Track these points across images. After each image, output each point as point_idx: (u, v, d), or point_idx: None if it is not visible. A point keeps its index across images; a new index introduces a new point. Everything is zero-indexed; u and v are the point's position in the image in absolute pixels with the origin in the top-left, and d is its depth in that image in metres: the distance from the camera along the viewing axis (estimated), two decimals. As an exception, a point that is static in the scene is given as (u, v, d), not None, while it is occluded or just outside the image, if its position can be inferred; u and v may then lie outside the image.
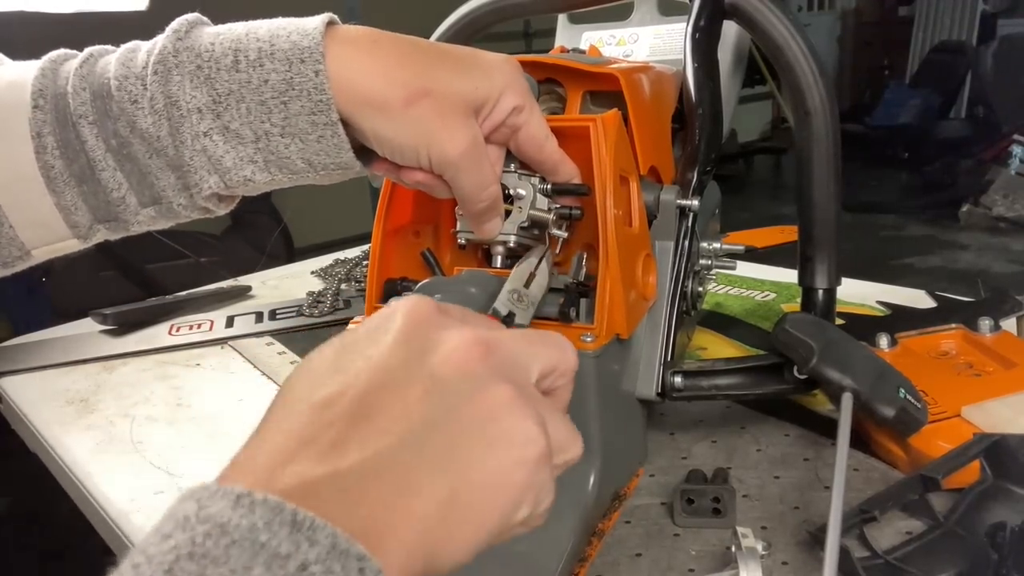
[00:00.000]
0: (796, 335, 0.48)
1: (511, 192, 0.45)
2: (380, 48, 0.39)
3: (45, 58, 0.41)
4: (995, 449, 0.48)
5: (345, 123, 0.39)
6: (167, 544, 0.21)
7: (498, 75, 0.41)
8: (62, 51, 0.42)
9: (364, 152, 0.42)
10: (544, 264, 0.43)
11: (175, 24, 0.39)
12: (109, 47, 0.42)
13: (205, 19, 0.41)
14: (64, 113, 0.39)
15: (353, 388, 0.25)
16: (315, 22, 0.39)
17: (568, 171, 0.46)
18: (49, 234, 0.41)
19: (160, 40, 0.39)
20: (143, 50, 0.40)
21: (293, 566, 0.20)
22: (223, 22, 0.41)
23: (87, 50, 0.41)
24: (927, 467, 0.47)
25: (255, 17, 0.40)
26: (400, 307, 0.28)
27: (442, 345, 0.27)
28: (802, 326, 0.48)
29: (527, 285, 0.41)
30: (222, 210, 0.44)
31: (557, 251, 0.50)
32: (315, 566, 0.20)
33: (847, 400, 0.47)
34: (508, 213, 0.46)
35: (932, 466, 0.47)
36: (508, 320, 0.40)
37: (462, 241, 0.48)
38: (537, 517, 0.27)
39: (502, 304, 0.40)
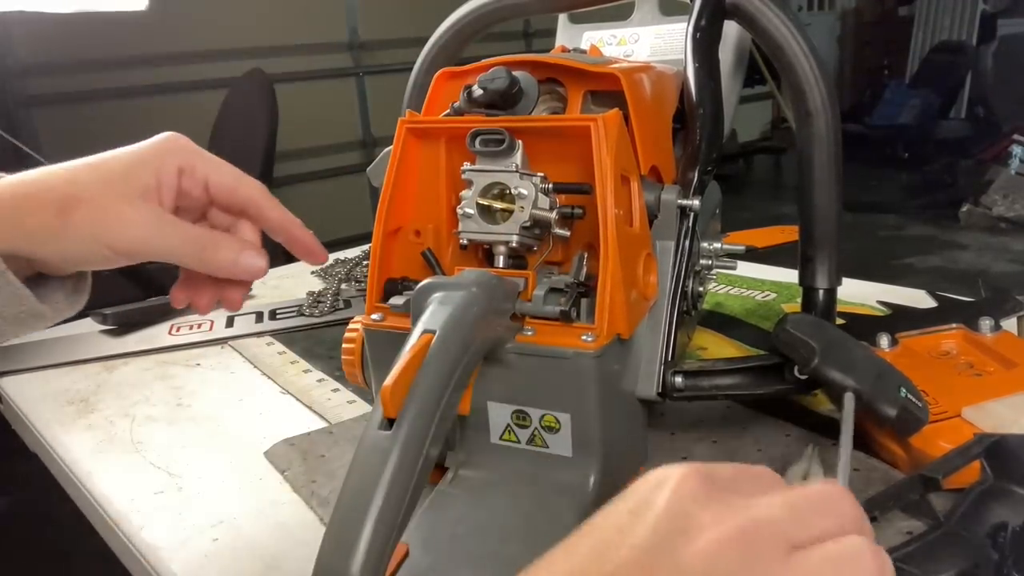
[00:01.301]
0: (797, 335, 0.48)
1: (512, 191, 0.45)
2: (23, 176, 0.40)
3: None
4: (995, 449, 0.47)
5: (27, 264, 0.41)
6: None
7: (148, 152, 0.42)
8: None
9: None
10: (817, 465, 0.42)
11: None
12: None
13: None
14: None
15: (602, 566, 0.25)
16: None
17: (278, 216, 0.46)
18: None
19: None
20: None
21: None
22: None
23: None
24: (927, 467, 0.47)
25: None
26: (669, 480, 0.26)
27: (698, 534, 0.25)
28: (803, 326, 0.48)
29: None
30: None
31: (559, 254, 0.50)
32: None
33: (849, 400, 0.47)
34: (510, 212, 0.46)
35: (932, 466, 0.47)
36: None
37: (464, 241, 0.48)
38: None
39: None
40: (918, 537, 0.45)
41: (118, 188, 0.40)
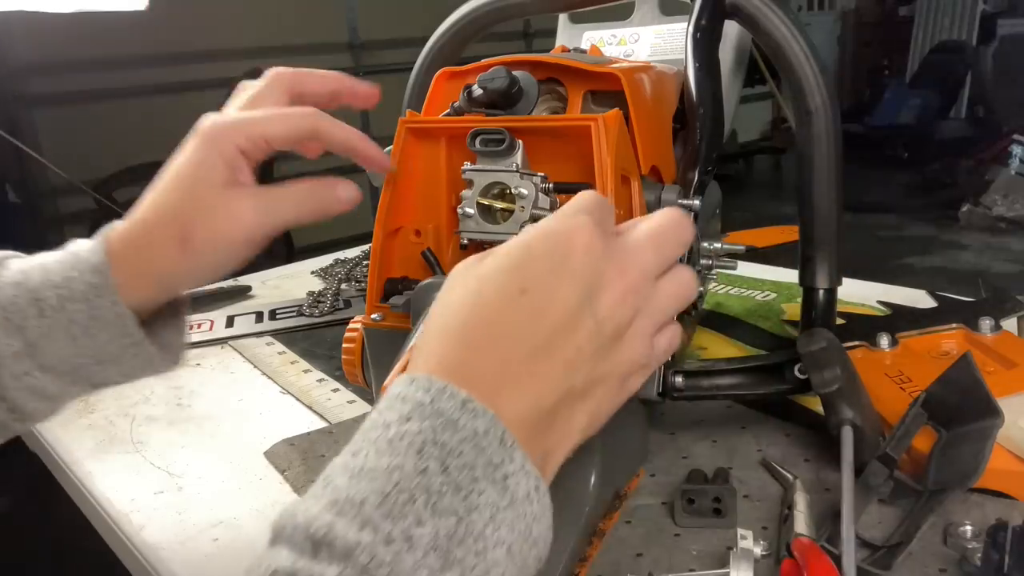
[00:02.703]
0: (825, 358, 0.49)
1: (513, 191, 0.45)
2: (129, 227, 0.42)
3: None
4: (931, 404, 0.50)
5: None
6: (412, 425, 0.27)
7: (203, 152, 0.43)
8: None
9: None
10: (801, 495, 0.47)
11: None
12: None
13: (14, 254, 0.44)
14: None
15: (544, 325, 0.30)
16: (99, 254, 0.41)
17: (341, 135, 0.45)
18: None
19: None
20: None
21: (500, 474, 0.27)
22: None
23: None
24: (882, 446, 0.49)
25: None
26: (577, 238, 0.32)
27: (608, 287, 0.32)
28: (834, 353, 0.48)
29: None
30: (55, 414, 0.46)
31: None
32: (509, 467, 0.27)
33: (847, 433, 0.48)
34: (511, 212, 0.46)
35: (885, 444, 0.49)
36: None
37: (464, 241, 0.48)
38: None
39: None
40: (908, 515, 0.46)
41: (208, 196, 0.42)
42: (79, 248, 0.42)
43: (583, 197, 0.35)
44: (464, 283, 0.32)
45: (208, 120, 0.44)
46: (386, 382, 0.35)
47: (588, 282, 0.32)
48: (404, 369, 0.35)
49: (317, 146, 0.46)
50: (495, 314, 0.30)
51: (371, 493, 0.25)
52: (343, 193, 0.45)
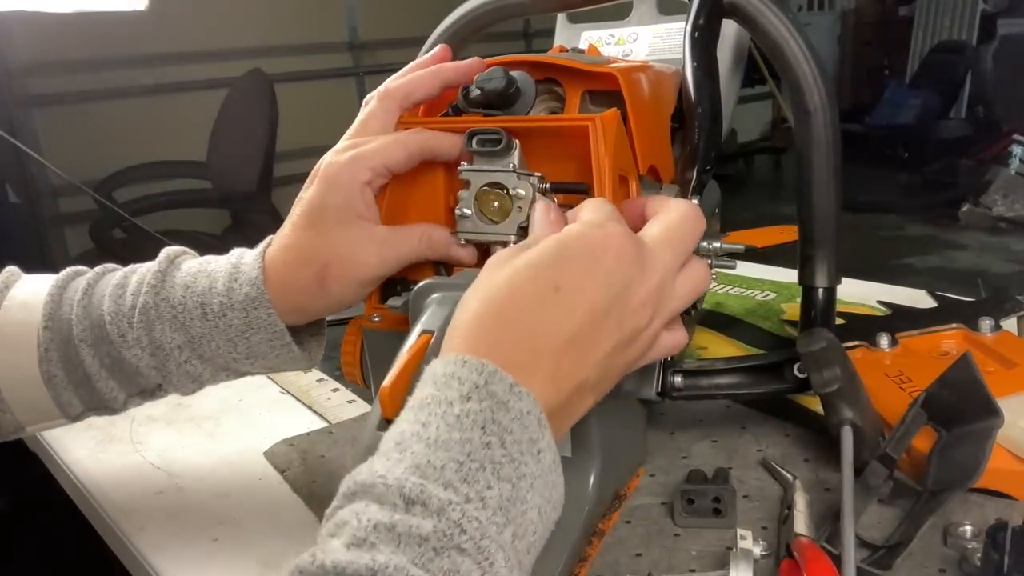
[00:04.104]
0: (824, 358, 0.48)
1: (511, 192, 0.45)
2: (283, 259, 0.47)
3: (53, 283, 0.50)
4: (931, 405, 0.50)
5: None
6: (473, 405, 0.31)
7: (332, 193, 0.46)
8: (67, 272, 0.51)
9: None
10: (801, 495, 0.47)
11: (151, 279, 0.48)
12: (109, 268, 0.51)
13: (187, 251, 0.51)
14: (68, 335, 0.48)
15: (572, 322, 0.34)
16: (256, 269, 0.47)
17: (449, 140, 0.48)
18: (43, 417, 0.50)
19: (142, 290, 0.48)
20: (129, 292, 0.49)
21: (535, 449, 0.31)
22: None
23: (86, 278, 0.50)
24: (882, 446, 0.48)
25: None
26: (610, 243, 0.36)
27: (637, 289, 0.36)
28: (834, 353, 0.48)
29: None
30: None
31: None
32: (542, 443, 0.32)
33: (847, 432, 0.48)
34: (508, 213, 0.46)
35: (885, 444, 0.49)
36: None
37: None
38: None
39: None
40: (907, 515, 0.46)
41: (338, 239, 0.46)
42: (240, 259, 0.48)
43: (601, 205, 0.39)
44: (502, 273, 0.35)
45: (328, 159, 0.47)
46: (384, 383, 0.35)
47: (617, 286, 0.35)
48: (403, 372, 0.35)
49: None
50: (530, 306, 0.34)
51: (449, 461, 0.29)
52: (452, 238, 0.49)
